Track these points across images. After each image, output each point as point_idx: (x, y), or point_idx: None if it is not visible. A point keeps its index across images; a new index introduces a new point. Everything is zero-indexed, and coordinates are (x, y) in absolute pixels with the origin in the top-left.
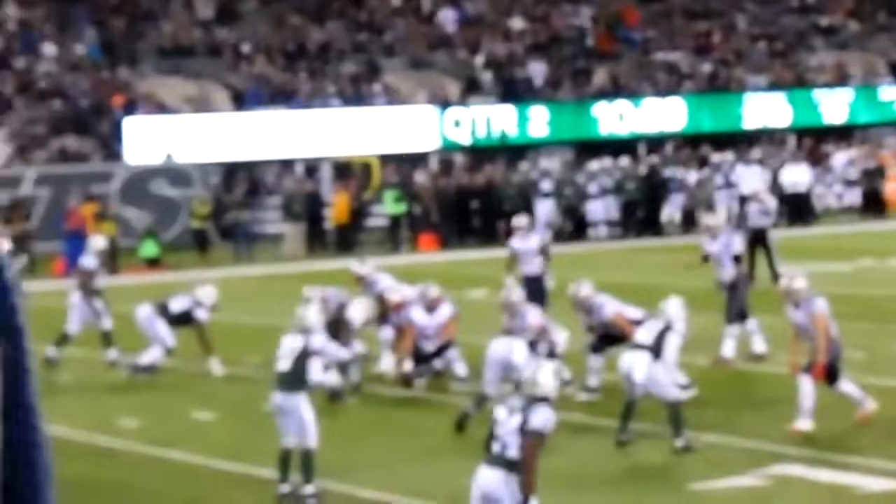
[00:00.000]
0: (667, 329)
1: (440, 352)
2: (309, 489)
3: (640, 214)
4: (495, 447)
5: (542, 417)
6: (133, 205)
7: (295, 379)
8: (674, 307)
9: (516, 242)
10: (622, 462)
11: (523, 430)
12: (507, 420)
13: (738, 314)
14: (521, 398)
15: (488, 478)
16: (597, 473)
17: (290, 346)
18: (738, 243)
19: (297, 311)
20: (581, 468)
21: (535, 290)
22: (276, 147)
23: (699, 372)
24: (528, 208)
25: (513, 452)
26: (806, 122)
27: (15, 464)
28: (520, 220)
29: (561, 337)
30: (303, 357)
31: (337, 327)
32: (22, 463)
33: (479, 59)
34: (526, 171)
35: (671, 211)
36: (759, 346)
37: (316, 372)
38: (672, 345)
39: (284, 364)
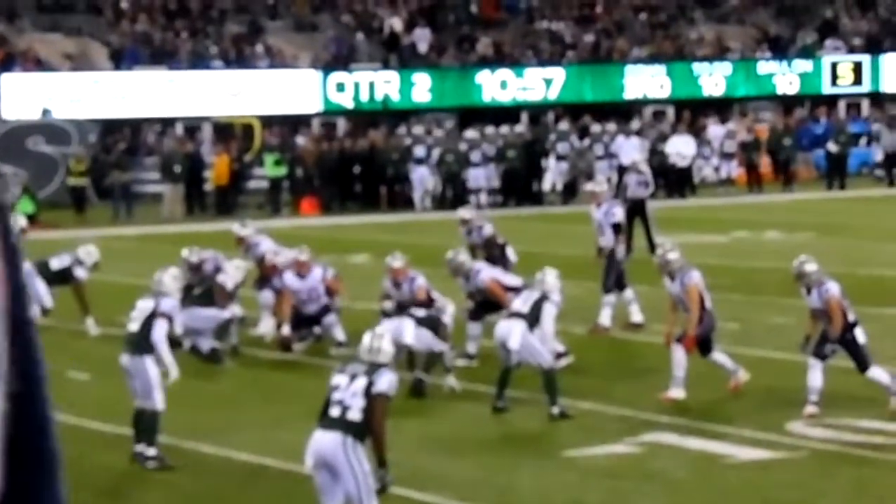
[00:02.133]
0: (543, 299)
1: (321, 315)
2: (151, 451)
3: (521, 183)
4: (333, 411)
5: (388, 380)
6: (9, 161)
7: (141, 341)
8: (550, 277)
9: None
10: (498, 428)
11: (369, 394)
12: (348, 385)
13: (615, 283)
14: (361, 364)
15: (325, 442)
16: (473, 439)
17: (141, 307)
18: (619, 212)
19: (156, 274)
20: (458, 433)
21: None
22: (156, 106)
23: (576, 340)
24: (408, 175)
25: (354, 415)
26: (685, 94)
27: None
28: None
29: (449, 308)
30: (151, 319)
31: (212, 290)
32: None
33: (364, 24)
34: (406, 137)
35: (552, 180)
36: (635, 315)
37: (160, 334)
38: (548, 314)
39: (133, 325)
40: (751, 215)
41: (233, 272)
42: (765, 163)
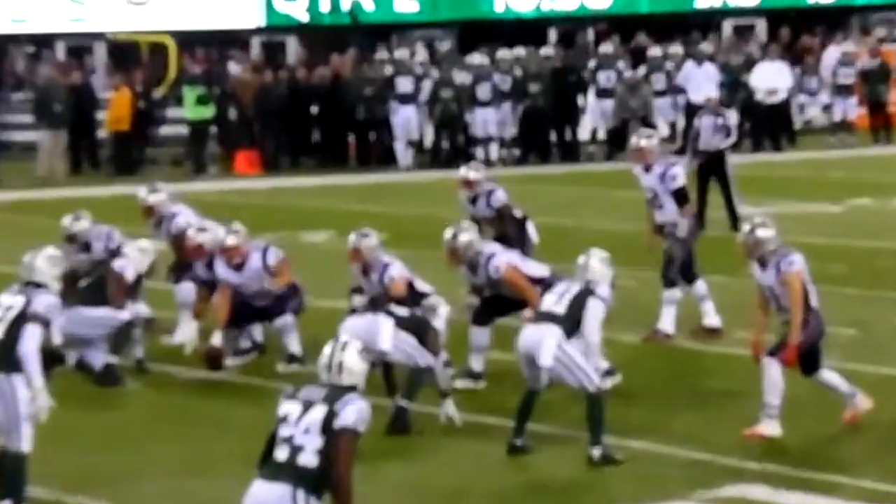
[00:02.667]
0: (586, 293)
1: (273, 314)
2: None
3: (547, 130)
4: (280, 454)
5: (356, 410)
6: None
7: (5, 353)
8: (596, 263)
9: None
10: (517, 476)
11: (330, 429)
12: (300, 416)
13: (680, 273)
14: (319, 388)
15: (267, 497)
16: (481, 490)
17: (4, 306)
18: (680, 175)
19: (26, 257)
20: (459, 483)
21: None
22: (27, 19)
23: (626, 352)
24: (387, 117)
25: (308, 459)
26: (783, 1)
27: None
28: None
29: (442, 308)
30: (19, 323)
31: (105, 281)
32: None
33: None
34: (385, 63)
35: (591, 125)
36: (710, 317)
37: (31, 345)
38: (593, 316)
39: None
40: (875, 175)
41: (136, 256)
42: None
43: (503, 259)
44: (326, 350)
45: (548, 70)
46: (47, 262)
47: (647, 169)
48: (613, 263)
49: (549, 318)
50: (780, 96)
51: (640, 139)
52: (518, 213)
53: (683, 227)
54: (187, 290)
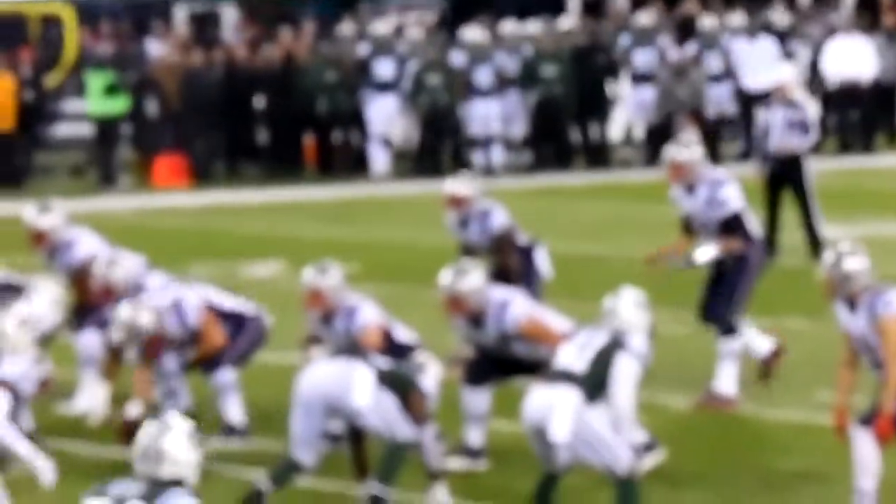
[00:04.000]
0: (614, 346)
1: (209, 367)
2: None
3: (566, 127)
4: None
5: None
6: None
7: None
8: (628, 307)
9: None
10: None
11: None
12: None
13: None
14: (137, 482)
15: None
16: None
17: None
18: (734, 198)
19: None
20: None
21: None
22: None
23: (673, 421)
24: (357, 110)
25: None
26: None
27: None
28: None
29: (433, 368)
30: None
31: None
32: None
33: None
34: (351, 41)
35: (625, 120)
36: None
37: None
38: (624, 375)
39: None
40: None
41: (47, 299)
42: None
43: (522, 310)
44: (144, 435)
45: (567, 49)
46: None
47: (690, 189)
48: (652, 306)
49: (565, 377)
50: (866, 82)
51: (677, 150)
52: (523, 239)
53: (699, 255)
54: (91, 341)
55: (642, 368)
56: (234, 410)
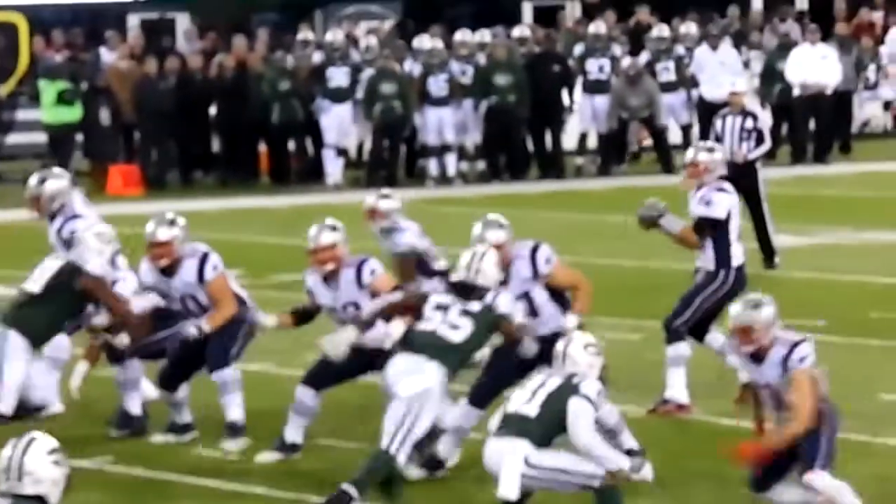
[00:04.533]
0: (567, 391)
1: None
2: None
3: (523, 135)
4: None
5: None
6: None
7: None
8: (578, 351)
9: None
10: None
11: None
12: None
13: (693, 325)
14: (4, 496)
15: None
16: None
17: None
18: (721, 203)
19: None
20: None
21: None
22: None
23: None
24: (312, 122)
25: None
26: None
27: None
28: None
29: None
30: None
31: None
32: None
33: None
34: (309, 49)
35: (580, 128)
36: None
37: None
38: (580, 424)
39: None
40: None
41: None
42: None
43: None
44: (7, 451)
45: (522, 57)
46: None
47: (698, 189)
48: (607, 313)
49: (517, 424)
50: (826, 92)
51: (696, 151)
52: (440, 264)
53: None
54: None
55: (598, 413)
56: (236, 409)
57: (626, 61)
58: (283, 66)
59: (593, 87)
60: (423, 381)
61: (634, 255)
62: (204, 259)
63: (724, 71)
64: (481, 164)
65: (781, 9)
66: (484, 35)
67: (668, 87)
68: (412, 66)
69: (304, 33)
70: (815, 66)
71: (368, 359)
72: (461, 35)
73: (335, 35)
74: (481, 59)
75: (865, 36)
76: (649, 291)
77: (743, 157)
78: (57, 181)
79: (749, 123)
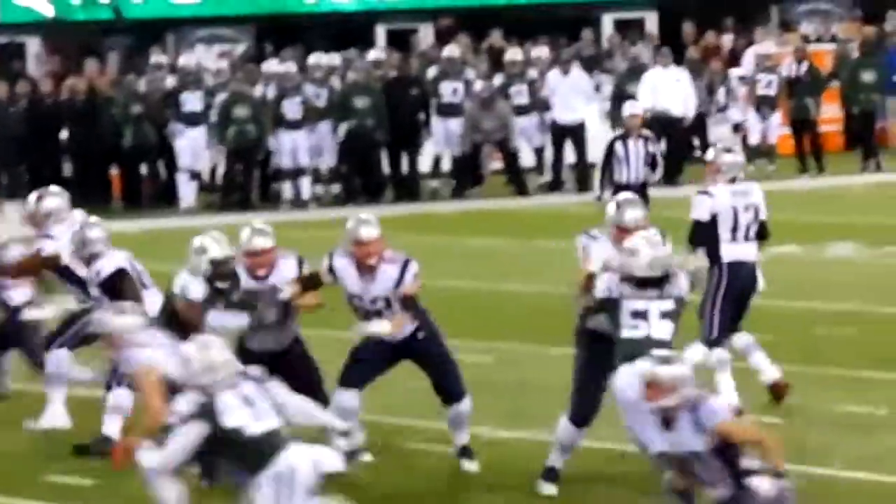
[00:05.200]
0: None
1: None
2: None
3: (379, 159)
4: None
5: None
6: None
7: None
8: None
9: None
10: None
11: None
12: None
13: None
14: None
15: None
16: None
17: None
18: (704, 202)
19: None
20: None
21: None
22: None
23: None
24: (165, 145)
25: None
26: None
27: None
28: None
29: None
30: None
31: None
32: None
33: None
34: (161, 72)
35: (434, 151)
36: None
37: None
38: None
39: None
40: (803, 215)
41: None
42: (829, 118)
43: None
44: None
45: (377, 80)
46: None
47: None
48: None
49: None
50: (681, 116)
51: (716, 152)
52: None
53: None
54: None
55: None
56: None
57: (478, 84)
58: (135, 90)
59: (447, 111)
60: None
61: (488, 277)
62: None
63: (575, 94)
64: (336, 188)
65: (632, 33)
66: (338, 58)
67: (521, 111)
68: (266, 90)
69: (156, 57)
70: (668, 89)
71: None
72: (315, 58)
73: (189, 59)
74: (335, 82)
75: (714, 59)
76: (502, 313)
77: (643, 180)
78: None
79: (651, 147)
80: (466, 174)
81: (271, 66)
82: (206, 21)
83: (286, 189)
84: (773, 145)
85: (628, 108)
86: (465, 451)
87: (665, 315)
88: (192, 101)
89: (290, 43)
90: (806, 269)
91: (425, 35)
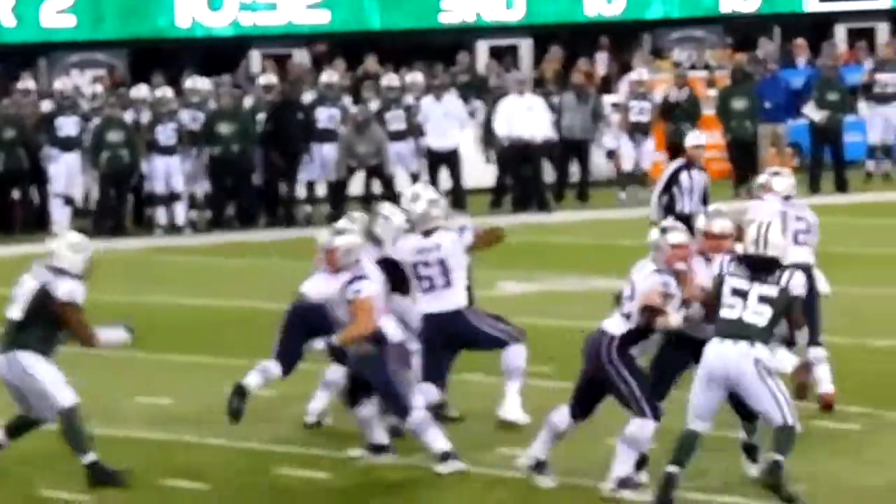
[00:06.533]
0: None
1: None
2: None
3: (246, 185)
4: None
5: None
6: None
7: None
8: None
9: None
10: None
11: None
12: None
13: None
14: None
15: None
16: None
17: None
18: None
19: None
20: None
21: None
22: None
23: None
24: (38, 172)
25: None
26: (553, 16)
27: None
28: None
29: None
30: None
31: None
32: None
33: None
34: (33, 96)
35: (309, 177)
36: None
37: None
38: None
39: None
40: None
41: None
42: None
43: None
44: None
45: (266, 105)
46: (70, 249)
47: None
48: None
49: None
50: (531, 139)
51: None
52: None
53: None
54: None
55: None
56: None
57: (352, 109)
58: (7, 114)
59: (322, 136)
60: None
61: None
62: None
63: (448, 121)
64: (208, 214)
65: (506, 59)
66: (204, 83)
67: (397, 136)
68: (141, 114)
69: (25, 82)
70: (521, 116)
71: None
72: (191, 82)
73: (64, 84)
74: (213, 106)
75: (587, 85)
76: None
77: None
78: None
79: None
80: (341, 199)
81: (139, 91)
82: (80, 45)
83: (160, 214)
84: (646, 171)
85: (692, 139)
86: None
87: (763, 300)
88: (67, 126)
89: (164, 68)
90: None
91: (300, 60)
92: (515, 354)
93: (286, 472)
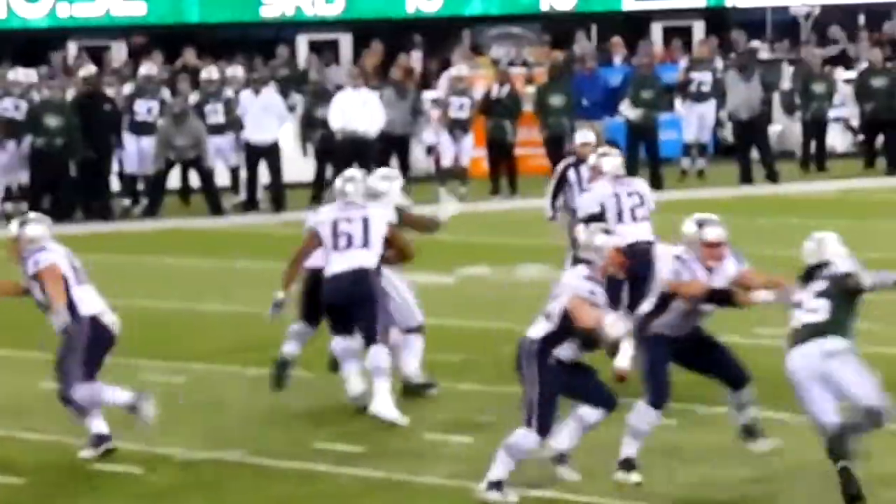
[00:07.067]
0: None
1: None
2: None
3: (67, 177)
4: None
5: None
6: None
7: None
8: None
9: None
10: None
11: None
12: None
13: None
14: None
15: None
16: None
17: None
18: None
19: None
20: None
21: None
22: None
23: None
24: None
25: None
26: (372, 11)
27: None
28: None
29: None
30: None
31: None
32: None
33: None
34: None
35: (128, 170)
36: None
37: None
38: None
39: None
40: (494, 237)
41: None
42: (527, 140)
43: None
44: None
45: (71, 99)
46: None
47: None
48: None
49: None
50: (364, 133)
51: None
52: None
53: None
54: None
55: None
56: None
57: (168, 100)
58: None
59: (140, 129)
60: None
61: (179, 297)
62: None
63: (266, 115)
64: (23, 206)
65: (326, 54)
66: (32, 75)
67: (216, 130)
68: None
69: None
70: (356, 111)
71: None
72: (13, 74)
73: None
74: (36, 97)
75: (406, 81)
76: (194, 334)
77: None
78: None
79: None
80: (159, 193)
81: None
82: None
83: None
84: (466, 167)
85: (581, 138)
86: None
87: (819, 294)
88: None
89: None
90: (496, 290)
91: (118, 52)
92: (376, 355)
93: (99, 468)
